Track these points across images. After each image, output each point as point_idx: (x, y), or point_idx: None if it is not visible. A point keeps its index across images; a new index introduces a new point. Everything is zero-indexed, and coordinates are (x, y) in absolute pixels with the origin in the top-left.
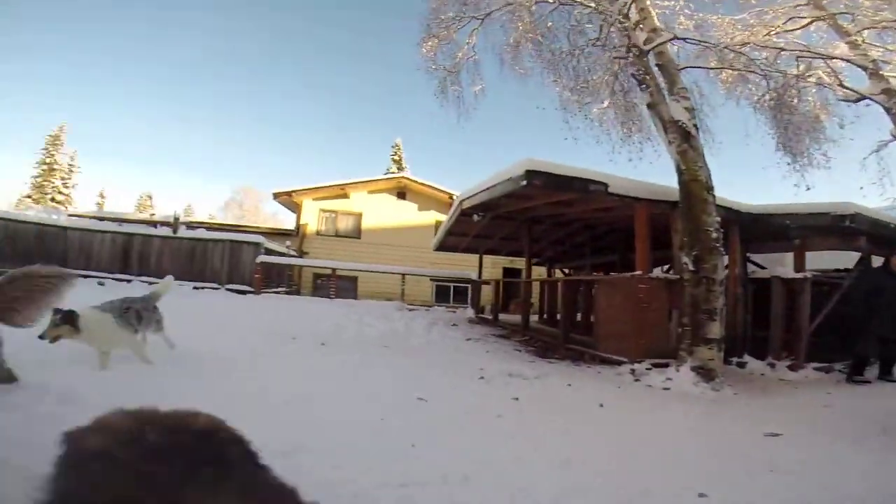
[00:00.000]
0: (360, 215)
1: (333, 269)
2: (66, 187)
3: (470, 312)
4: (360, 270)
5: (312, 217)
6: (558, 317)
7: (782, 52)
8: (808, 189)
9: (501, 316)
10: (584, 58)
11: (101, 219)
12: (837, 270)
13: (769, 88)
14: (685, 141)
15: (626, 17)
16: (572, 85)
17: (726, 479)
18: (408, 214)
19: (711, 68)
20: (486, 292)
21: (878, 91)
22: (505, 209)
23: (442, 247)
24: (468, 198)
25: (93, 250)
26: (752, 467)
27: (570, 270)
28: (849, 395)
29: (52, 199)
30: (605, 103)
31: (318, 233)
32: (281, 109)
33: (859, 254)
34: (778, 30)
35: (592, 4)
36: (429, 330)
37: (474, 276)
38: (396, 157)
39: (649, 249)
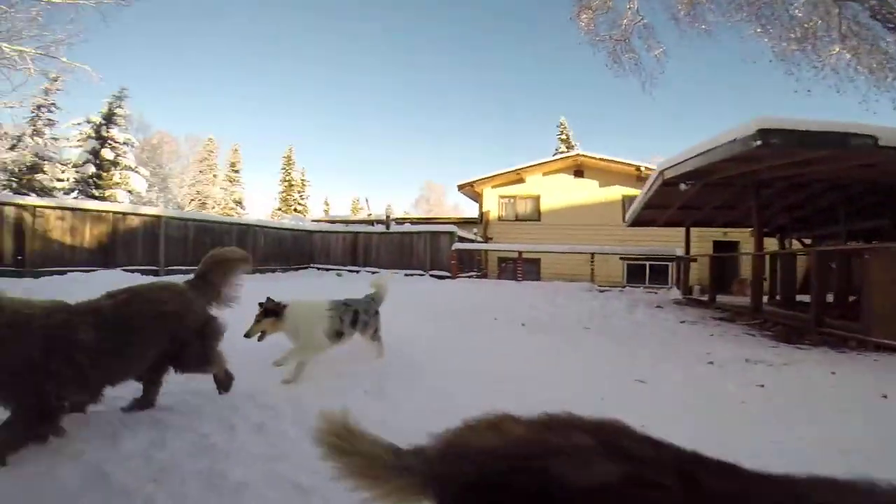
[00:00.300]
0: (537, 198)
1: (520, 253)
2: (302, 199)
3: (675, 293)
4: (545, 252)
5: (493, 204)
6: (798, 298)
7: None
8: None
9: (719, 297)
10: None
11: (332, 222)
12: None
13: None
14: None
15: None
16: (789, 34)
17: None
18: (588, 192)
19: None
20: (694, 270)
21: None
22: (720, 175)
23: (637, 221)
24: (672, 166)
25: (330, 248)
26: None
27: (813, 240)
28: None
29: (294, 210)
30: (837, 48)
31: (499, 218)
32: (446, 103)
33: None
34: None
35: None
36: (631, 311)
37: (679, 251)
38: (564, 137)
39: None
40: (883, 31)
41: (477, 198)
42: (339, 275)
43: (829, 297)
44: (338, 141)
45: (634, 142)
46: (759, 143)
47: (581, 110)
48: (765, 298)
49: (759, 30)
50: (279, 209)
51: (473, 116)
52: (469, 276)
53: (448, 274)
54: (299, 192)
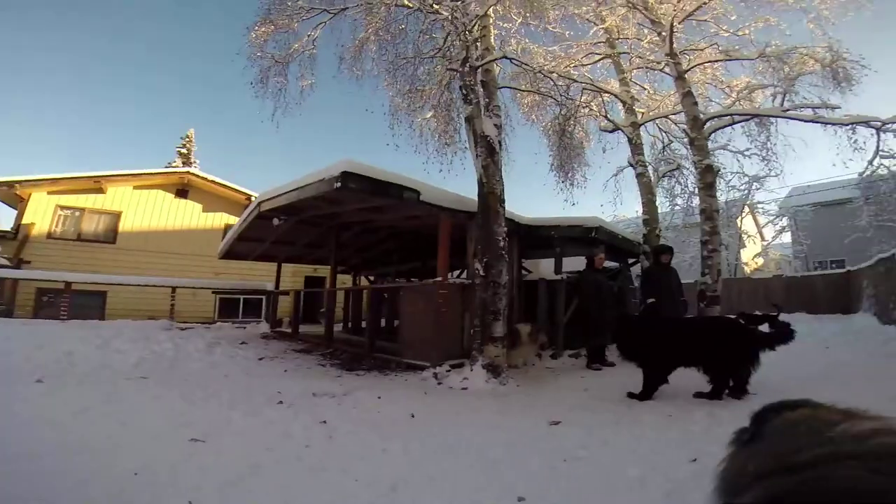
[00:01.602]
0: (118, 215)
1: (67, 283)
2: None
3: (264, 327)
4: (111, 283)
5: (44, 215)
6: (364, 325)
7: (573, 83)
8: (574, 205)
9: (303, 328)
10: (422, 65)
11: None
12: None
13: (559, 114)
14: (490, 156)
15: (471, 31)
16: (406, 91)
17: (533, 477)
18: (189, 216)
19: (522, 90)
20: (286, 304)
21: (627, 123)
22: (313, 213)
23: (231, 254)
24: (270, 199)
25: None
26: (551, 460)
27: (375, 278)
28: (594, 377)
29: None
30: (430, 114)
31: (49, 235)
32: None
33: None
34: (576, 63)
35: (446, 13)
36: (210, 351)
37: (270, 286)
38: (185, 150)
39: (446, 257)
40: (457, 102)
41: (17, 204)
42: None
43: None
44: None
45: (269, 169)
46: (339, 185)
47: (209, 128)
48: (341, 327)
49: (388, 83)
50: None
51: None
52: None
53: None
54: None
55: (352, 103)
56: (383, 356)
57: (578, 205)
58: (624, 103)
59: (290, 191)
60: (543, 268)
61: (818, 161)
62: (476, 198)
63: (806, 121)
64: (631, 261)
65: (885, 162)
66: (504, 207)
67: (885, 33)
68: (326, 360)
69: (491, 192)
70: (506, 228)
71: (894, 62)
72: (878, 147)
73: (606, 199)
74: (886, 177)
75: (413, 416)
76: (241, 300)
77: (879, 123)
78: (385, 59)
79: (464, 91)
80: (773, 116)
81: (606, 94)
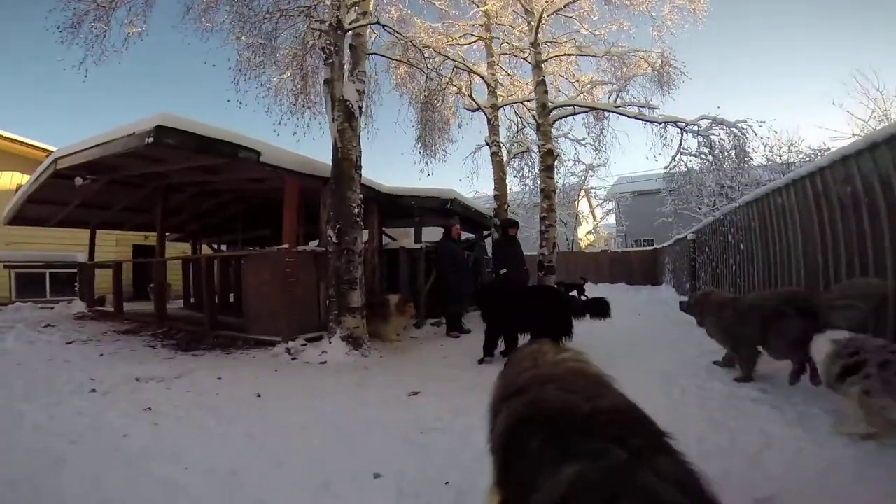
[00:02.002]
0: None
1: None
2: None
3: (80, 306)
4: None
5: None
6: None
7: (447, 60)
8: (429, 175)
9: (134, 306)
10: (282, 22)
11: None
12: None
13: (425, 86)
14: (347, 120)
15: None
16: (258, 45)
17: (391, 451)
18: None
19: (393, 59)
20: (109, 278)
21: (489, 105)
22: (127, 172)
23: (21, 219)
24: (68, 155)
25: None
26: (408, 432)
27: (225, 247)
28: (453, 344)
29: None
30: (287, 73)
31: None
32: None
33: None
34: (453, 42)
35: None
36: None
37: (83, 257)
38: None
39: (300, 223)
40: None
41: None
42: None
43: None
44: None
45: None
46: (151, 139)
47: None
48: (182, 304)
49: (237, 37)
50: None
51: None
52: None
53: None
54: None
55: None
56: (228, 333)
57: (441, 179)
58: (488, 85)
59: (94, 146)
60: (414, 237)
61: (639, 154)
62: (331, 163)
63: (631, 117)
64: (485, 233)
65: (684, 158)
66: (360, 174)
67: (705, 48)
68: (158, 340)
69: (346, 157)
70: (361, 195)
71: (704, 72)
72: (680, 144)
73: (465, 175)
74: (684, 172)
75: (259, 396)
76: (49, 275)
77: (684, 124)
78: (237, 11)
79: (326, 53)
80: (607, 111)
81: (475, 76)
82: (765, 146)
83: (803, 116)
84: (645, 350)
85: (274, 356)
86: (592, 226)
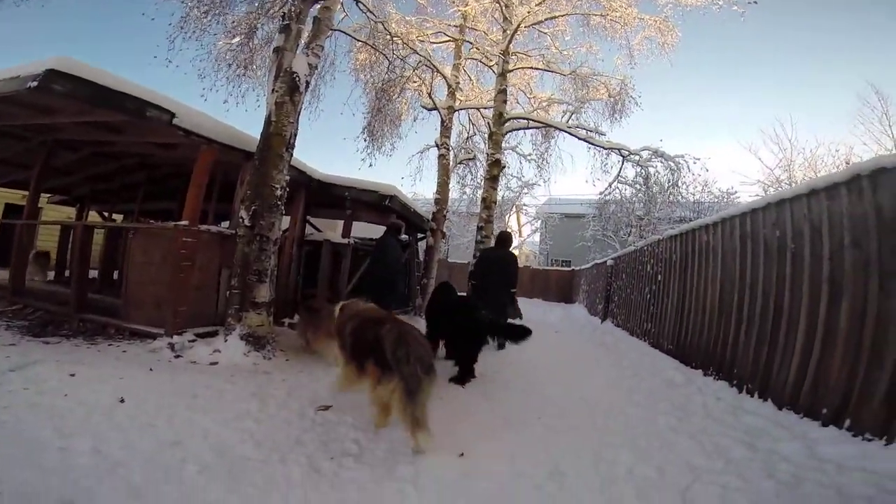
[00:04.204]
0: None
1: None
2: None
3: None
4: None
5: None
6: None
7: (414, 54)
8: (371, 166)
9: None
10: None
11: None
12: (372, 239)
13: (385, 73)
14: (290, 94)
15: None
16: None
17: (288, 485)
18: None
19: (360, 40)
20: None
21: (445, 106)
22: (9, 121)
23: None
24: None
25: None
26: (312, 458)
27: (122, 217)
28: None
29: None
30: (237, 39)
31: None
32: None
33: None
34: (424, 38)
35: None
36: None
37: None
38: None
39: (212, 200)
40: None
41: None
42: None
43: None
44: None
45: None
46: (34, 84)
47: None
48: (54, 275)
49: None
50: None
51: None
52: None
53: None
54: None
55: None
56: (99, 319)
57: (382, 175)
58: (450, 87)
59: None
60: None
61: (578, 177)
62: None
63: (580, 138)
64: (420, 236)
65: (620, 186)
66: (291, 154)
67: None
68: (7, 318)
69: (278, 133)
70: (288, 177)
71: (651, 103)
72: (619, 171)
73: (408, 174)
74: (617, 199)
75: (123, 402)
76: None
77: (627, 152)
78: None
79: (286, 20)
80: (559, 129)
81: (437, 75)
82: (685, 187)
83: (721, 160)
84: (567, 372)
85: (152, 351)
86: (519, 242)
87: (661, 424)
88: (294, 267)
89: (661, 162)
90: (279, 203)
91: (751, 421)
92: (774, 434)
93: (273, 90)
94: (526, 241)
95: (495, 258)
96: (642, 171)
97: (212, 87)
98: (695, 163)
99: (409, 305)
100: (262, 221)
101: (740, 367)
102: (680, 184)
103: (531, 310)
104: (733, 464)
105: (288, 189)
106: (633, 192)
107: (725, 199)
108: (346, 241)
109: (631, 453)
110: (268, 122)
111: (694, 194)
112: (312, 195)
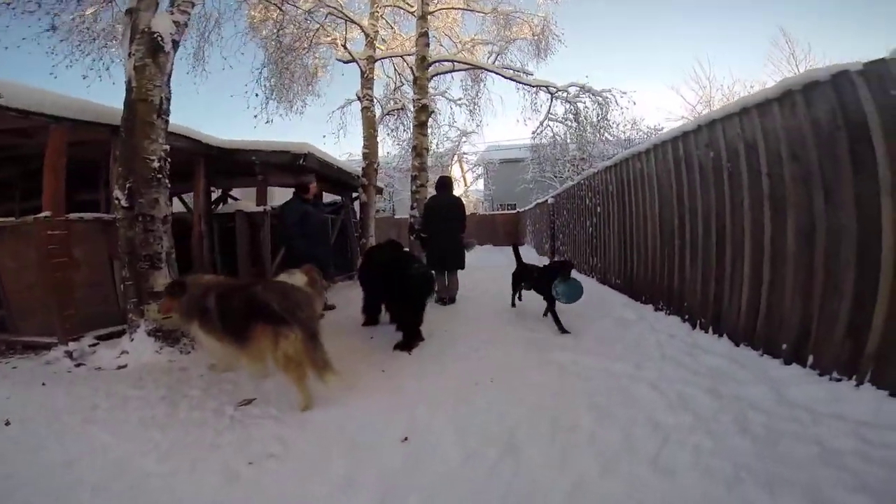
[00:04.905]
0: None
1: None
2: None
3: None
4: None
5: None
6: None
7: (322, 5)
8: (268, 122)
9: None
10: None
11: None
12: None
13: (278, 22)
14: (151, 55)
15: None
16: None
17: (201, 497)
18: None
19: None
20: None
21: (365, 56)
22: None
23: None
24: None
25: None
26: (229, 462)
27: None
28: None
29: None
30: (92, 10)
31: None
32: None
33: None
34: None
35: None
36: None
37: None
38: None
39: (92, 186)
40: None
41: None
42: None
43: None
44: None
45: None
46: None
47: None
48: None
49: None
50: None
51: None
52: None
53: None
54: None
55: None
56: None
57: (305, 137)
58: (367, 36)
59: None
60: (278, 201)
61: (510, 119)
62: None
63: (507, 78)
64: (354, 195)
65: (552, 124)
66: (165, 121)
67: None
68: None
69: (142, 98)
70: (167, 147)
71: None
72: (549, 110)
73: (330, 131)
74: (549, 138)
75: (8, 424)
76: None
77: (555, 89)
78: None
79: None
80: (485, 70)
81: (355, 26)
82: (615, 124)
83: (647, 98)
84: (518, 322)
85: (48, 363)
86: (463, 190)
87: (619, 373)
88: (207, 245)
89: (590, 97)
90: (159, 176)
91: (710, 361)
92: (737, 376)
93: (130, 54)
94: (470, 189)
95: (442, 205)
96: (571, 107)
97: (63, 62)
98: (622, 96)
99: (354, 270)
100: (140, 199)
101: (690, 300)
102: (609, 118)
103: (482, 256)
104: (701, 418)
105: (168, 159)
106: (565, 128)
107: (653, 136)
108: (261, 209)
109: (591, 415)
110: (129, 87)
111: (624, 132)
112: (216, 165)
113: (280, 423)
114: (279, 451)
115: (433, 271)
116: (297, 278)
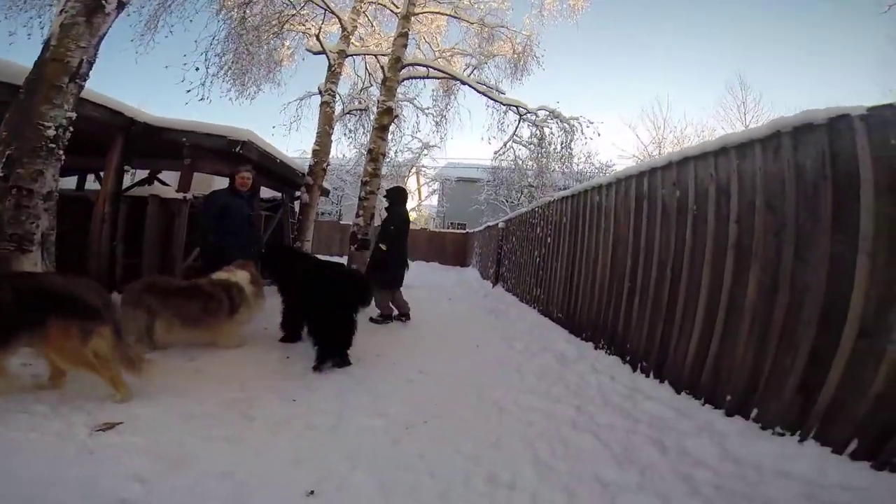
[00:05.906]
0: None
1: None
2: None
3: None
4: None
5: None
6: None
7: None
8: (203, 99)
9: None
10: None
11: None
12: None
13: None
14: (87, 14)
15: None
16: None
17: None
18: None
19: None
20: None
21: (336, 50)
22: None
23: None
24: None
25: None
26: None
27: None
28: None
29: None
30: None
31: None
32: None
33: None
34: None
35: None
36: None
37: None
38: None
39: None
40: None
41: None
42: None
43: None
44: None
45: None
46: None
47: None
48: None
49: None
50: None
51: None
52: None
53: None
54: None
55: None
56: None
57: (256, 127)
58: (344, 29)
59: None
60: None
61: (472, 138)
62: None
63: (480, 92)
64: (296, 194)
65: (516, 146)
66: (79, 86)
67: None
68: None
69: (57, 58)
70: (72, 115)
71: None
72: (515, 130)
73: (281, 122)
74: (509, 166)
75: None
76: None
77: (525, 110)
78: None
79: None
80: (460, 80)
81: (333, 17)
82: (577, 150)
83: (604, 132)
84: (456, 349)
85: None
86: (416, 204)
87: (561, 417)
88: (108, 230)
89: (557, 123)
90: (52, 146)
91: (651, 408)
92: (680, 427)
93: (62, 11)
94: (424, 204)
95: (407, 219)
96: (538, 131)
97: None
98: (588, 125)
99: None
100: (19, 170)
101: (633, 342)
102: (572, 146)
103: (428, 274)
104: (648, 475)
105: (68, 129)
106: (528, 152)
107: (605, 171)
108: (180, 196)
109: (532, 470)
110: (46, 46)
111: (578, 164)
112: (139, 142)
113: (145, 457)
114: (133, 496)
115: (391, 286)
116: (240, 276)
